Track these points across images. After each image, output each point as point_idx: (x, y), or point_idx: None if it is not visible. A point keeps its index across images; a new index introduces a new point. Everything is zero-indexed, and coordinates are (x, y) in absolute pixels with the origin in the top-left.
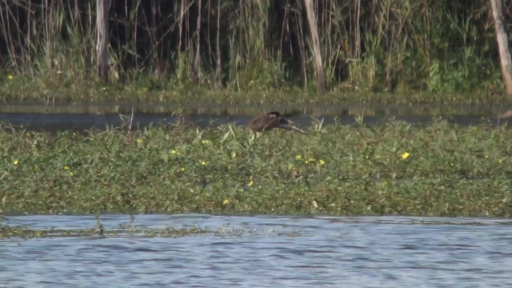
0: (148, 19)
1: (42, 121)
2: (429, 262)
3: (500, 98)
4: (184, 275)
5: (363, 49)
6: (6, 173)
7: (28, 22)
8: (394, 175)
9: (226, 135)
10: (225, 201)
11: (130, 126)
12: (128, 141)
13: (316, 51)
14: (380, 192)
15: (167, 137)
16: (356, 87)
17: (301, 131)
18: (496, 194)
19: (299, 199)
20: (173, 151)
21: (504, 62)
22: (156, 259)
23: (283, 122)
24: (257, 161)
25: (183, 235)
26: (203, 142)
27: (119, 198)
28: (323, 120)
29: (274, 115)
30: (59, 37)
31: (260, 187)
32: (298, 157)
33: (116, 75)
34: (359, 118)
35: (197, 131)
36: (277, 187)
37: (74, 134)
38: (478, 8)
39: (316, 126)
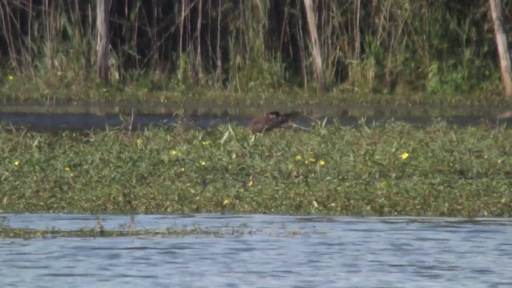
0: (149, 20)
1: (42, 122)
2: None
3: (499, 99)
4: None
5: (362, 50)
6: (7, 173)
7: (29, 23)
8: (393, 175)
9: (225, 136)
10: (225, 201)
11: (130, 127)
12: (129, 142)
13: (315, 52)
14: (379, 192)
15: (168, 138)
16: (356, 88)
17: (302, 127)
18: (495, 194)
19: (299, 199)
20: (174, 152)
21: (503, 63)
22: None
23: (283, 122)
24: (257, 161)
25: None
26: (204, 142)
27: (120, 198)
28: (325, 119)
29: (274, 116)
30: (59, 38)
31: (260, 187)
32: (298, 157)
33: (117, 76)
34: (362, 120)
35: (198, 132)
36: (277, 187)
37: (75, 135)
38: (477, 9)
39: (317, 125)
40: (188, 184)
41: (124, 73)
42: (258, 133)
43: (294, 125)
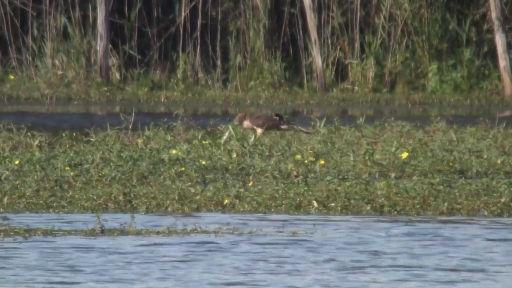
0: (149, 20)
1: (43, 121)
2: None
3: (498, 98)
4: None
5: (362, 50)
6: (7, 173)
7: (29, 23)
8: (393, 175)
9: (225, 135)
10: (226, 201)
11: (131, 126)
12: (129, 141)
13: (315, 52)
14: (379, 192)
15: (168, 137)
16: (356, 88)
17: (304, 129)
18: (494, 194)
19: (298, 199)
20: (174, 151)
21: (502, 63)
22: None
23: (284, 124)
24: (257, 161)
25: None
26: (204, 142)
27: (120, 197)
28: (324, 119)
29: (277, 118)
30: (60, 37)
31: (260, 187)
32: (298, 157)
33: (117, 76)
34: (360, 119)
35: (198, 131)
36: (277, 187)
37: (75, 134)
38: (477, 9)
39: (317, 125)
40: (189, 183)
41: (124, 73)
42: (258, 129)
43: (295, 127)
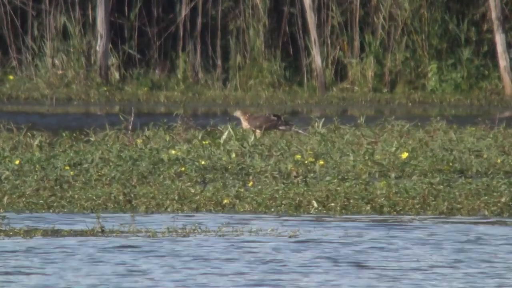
0: (149, 20)
1: (43, 121)
2: None
3: (498, 98)
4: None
5: (362, 49)
6: (7, 172)
7: (29, 22)
8: (393, 175)
9: (225, 135)
10: (225, 201)
11: (130, 126)
12: (129, 141)
13: (315, 51)
14: (379, 192)
15: (167, 137)
16: (356, 88)
17: (301, 131)
18: (494, 194)
19: (298, 199)
20: (173, 151)
21: (502, 63)
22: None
23: (282, 125)
24: (257, 161)
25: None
26: (203, 142)
27: (120, 197)
28: (323, 120)
29: (275, 118)
30: (60, 37)
31: (260, 187)
32: (298, 157)
33: (117, 75)
34: (361, 119)
35: (197, 131)
36: (276, 187)
37: (75, 134)
38: (477, 9)
39: (316, 125)
40: (188, 183)
41: (124, 73)
42: (257, 131)
43: (293, 128)
